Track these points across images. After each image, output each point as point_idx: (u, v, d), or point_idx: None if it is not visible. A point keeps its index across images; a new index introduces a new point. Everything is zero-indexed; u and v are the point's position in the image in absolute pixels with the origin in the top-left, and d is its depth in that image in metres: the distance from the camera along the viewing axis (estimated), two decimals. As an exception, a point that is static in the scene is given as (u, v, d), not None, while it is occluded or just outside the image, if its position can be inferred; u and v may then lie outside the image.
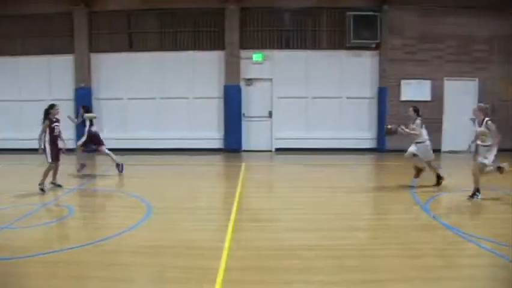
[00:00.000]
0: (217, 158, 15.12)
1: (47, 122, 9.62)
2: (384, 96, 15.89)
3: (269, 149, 16.23)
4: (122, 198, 9.39)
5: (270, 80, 16.06)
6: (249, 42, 15.90)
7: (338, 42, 16.00)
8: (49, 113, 9.83)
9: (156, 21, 15.83)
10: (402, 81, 15.89)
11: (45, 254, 6.13)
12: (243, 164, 13.58)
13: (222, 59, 15.81)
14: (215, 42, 15.87)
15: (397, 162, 13.01)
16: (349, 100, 16.21)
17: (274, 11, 15.93)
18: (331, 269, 5.58)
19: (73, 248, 6.39)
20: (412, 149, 9.95)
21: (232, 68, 15.76)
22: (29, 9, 15.74)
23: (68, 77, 15.85)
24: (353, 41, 15.61)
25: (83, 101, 15.19)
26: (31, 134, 14.84)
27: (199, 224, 7.59)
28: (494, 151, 8.71)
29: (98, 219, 7.57)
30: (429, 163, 10.10)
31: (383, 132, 13.31)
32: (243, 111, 15.98)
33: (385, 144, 15.50)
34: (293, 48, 16.05)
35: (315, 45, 16.06)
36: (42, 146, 9.70)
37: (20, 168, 13.27)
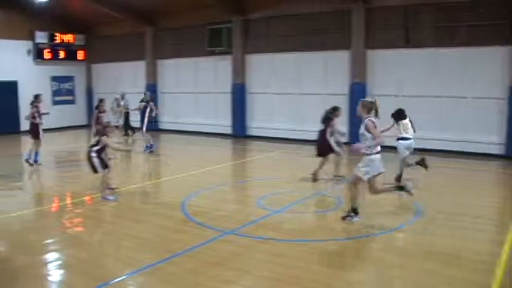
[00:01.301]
0: (497, 165, 13.84)
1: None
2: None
3: None
4: (391, 197, 9.61)
5: None
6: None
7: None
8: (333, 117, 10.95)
9: (432, 16, 15.36)
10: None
11: (309, 240, 6.96)
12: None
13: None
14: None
15: None
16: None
17: None
18: None
19: (337, 239, 7.05)
20: None
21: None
22: (303, 8, 17.47)
23: (343, 72, 16.87)
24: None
25: (359, 96, 15.99)
26: (307, 126, 16.65)
27: (470, 233, 7.32)
28: (374, 159, 7.37)
29: (364, 215, 7.99)
30: None
31: None
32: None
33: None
34: None
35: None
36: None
37: (294, 157, 14.79)
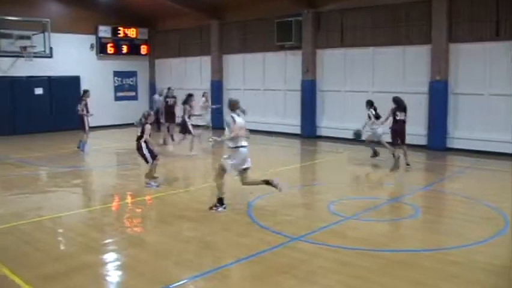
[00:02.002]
0: None
1: None
2: None
3: None
4: (472, 205, 9.34)
5: None
6: None
7: None
8: None
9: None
10: None
11: (382, 250, 6.83)
12: None
13: None
14: None
15: None
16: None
17: None
18: None
19: (412, 250, 6.88)
20: None
21: None
22: (378, 0, 17.09)
23: (423, 68, 16.40)
24: None
25: (439, 96, 15.57)
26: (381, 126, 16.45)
27: None
28: (236, 152, 8.73)
29: (443, 225, 7.82)
30: None
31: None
32: None
33: None
34: None
35: None
36: None
37: (367, 160, 14.56)
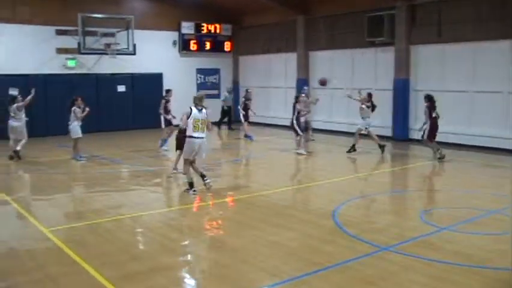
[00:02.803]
0: None
1: None
2: None
3: None
4: None
5: None
6: None
7: None
8: None
9: None
10: None
11: (480, 267, 6.60)
12: None
13: None
14: None
15: None
16: None
17: None
18: None
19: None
20: None
21: None
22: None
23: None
24: None
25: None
26: (484, 129, 15.75)
27: None
28: (187, 142, 10.46)
29: None
30: None
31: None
32: None
33: None
34: None
35: None
36: None
37: (464, 166, 14.02)
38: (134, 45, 21.77)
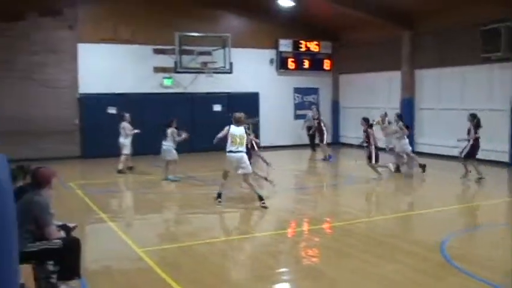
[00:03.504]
0: None
1: None
2: None
3: None
4: None
5: None
6: None
7: None
8: None
9: None
10: None
11: None
12: None
13: None
14: None
15: None
16: None
17: None
18: None
19: None
20: None
21: None
22: None
23: None
24: None
25: None
26: None
27: None
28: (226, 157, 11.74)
29: None
30: None
31: None
32: None
33: None
34: None
35: None
36: None
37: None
38: (231, 64, 22.04)
